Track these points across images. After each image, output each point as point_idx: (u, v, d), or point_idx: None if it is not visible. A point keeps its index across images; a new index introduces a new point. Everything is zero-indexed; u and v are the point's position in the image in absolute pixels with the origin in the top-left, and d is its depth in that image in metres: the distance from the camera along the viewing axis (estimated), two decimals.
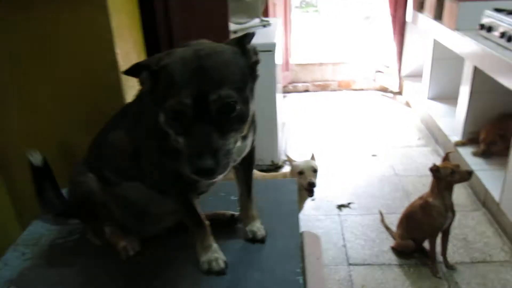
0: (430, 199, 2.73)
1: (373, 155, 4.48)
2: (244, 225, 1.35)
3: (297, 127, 5.30)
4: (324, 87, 6.34)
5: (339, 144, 4.80)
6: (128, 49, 1.87)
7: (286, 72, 5.98)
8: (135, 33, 2.01)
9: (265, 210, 1.37)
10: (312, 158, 2.86)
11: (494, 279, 2.80)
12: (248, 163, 1.25)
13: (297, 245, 1.26)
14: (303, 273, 1.12)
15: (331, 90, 6.34)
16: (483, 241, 3.16)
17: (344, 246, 3.22)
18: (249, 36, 0.99)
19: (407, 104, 5.71)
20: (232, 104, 0.91)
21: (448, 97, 4.80)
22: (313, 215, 3.60)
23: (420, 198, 2.86)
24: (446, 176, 2.60)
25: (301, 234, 1.31)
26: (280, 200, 1.48)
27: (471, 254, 3.04)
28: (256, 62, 1.02)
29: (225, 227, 1.35)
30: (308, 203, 3.76)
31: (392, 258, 3.07)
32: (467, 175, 2.58)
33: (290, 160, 2.83)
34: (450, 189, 2.67)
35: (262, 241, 1.30)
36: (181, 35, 2.06)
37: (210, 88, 0.89)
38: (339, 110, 5.72)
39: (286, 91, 6.27)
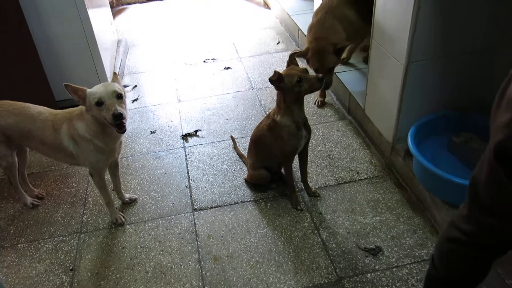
0: (278, 117, 2.08)
1: (226, 68, 3.76)
2: None
3: (139, 43, 4.34)
4: None
5: (187, 58, 3.97)
6: None
7: None
8: None
9: None
10: (115, 79, 2.01)
11: (363, 201, 2.33)
12: None
13: None
14: None
15: None
16: (349, 156, 2.67)
17: (189, 187, 2.53)
18: None
19: (266, 5, 4.99)
20: None
21: None
22: (152, 152, 2.84)
23: (267, 116, 2.21)
24: (292, 87, 1.94)
25: None
26: None
27: (337, 174, 2.54)
28: None
29: None
30: (146, 137, 2.98)
31: (246, 193, 2.46)
32: (317, 82, 1.94)
33: (77, 91, 1.89)
34: (300, 102, 2.03)
35: None
36: None
37: None
38: (189, 18, 4.82)
39: (124, 2, 5.17)
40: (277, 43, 4.11)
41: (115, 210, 2.33)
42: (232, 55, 3.96)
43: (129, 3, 5.18)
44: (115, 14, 5.00)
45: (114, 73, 2.03)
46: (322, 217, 2.26)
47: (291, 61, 2.04)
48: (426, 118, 2.26)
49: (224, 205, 2.39)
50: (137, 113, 3.25)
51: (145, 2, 5.25)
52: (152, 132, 3.02)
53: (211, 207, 2.38)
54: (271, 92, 3.36)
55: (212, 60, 3.90)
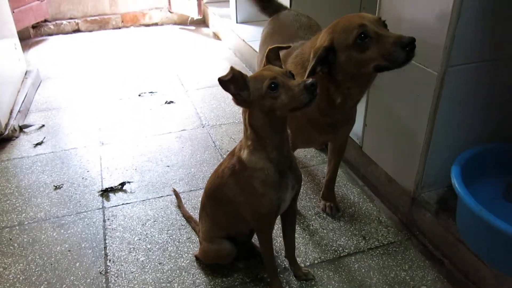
0: (244, 154, 1.24)
1: (168, 102, 2.91)
2: None
3: (57, 75, 3.41)
4: (102, 24, 4.50)
5: (117, 92, 3.09)
6: None
7: (36, 2, 3.95)
8: None
9: None
10: None
11: (383, 284, 1.49)
12: None
13: None
14: None
15: (113, 28, 4.54)
16: (347, 214, 1.85)
17: (105, 273, 1.59)
18: None
19: (216, 36, 4.26)
20: None
21: (260, 17, 3.46)
22: (52, 217, 1.88)
23: (231, 154, 1.34)
24: (261, 98, 1.10)
25: None
26: None
27: (334, 241, 1.69)
28: None
29: None
30: (47, 194, 2.02)
31: (199, 280, 1.55)
32: (303, 92, 1.05)
33: None
34: (279, 128, 1.18)
35: None
36: None
37: None
38: (126, 51, 3.97)
39: (43, 33, 4.28)
40: None
41: None
42: (176, 88, 3.13)
43: (50, 34, 4.29)
44: (31, 45, 4.08)
45: None
46: None
47: (271, 58, 1.21)
48: (470, 152, 1.50)
49: None
50: (39, 161, 2.29)
51: (71, 33, 4.37)
52: (56, 188, 2.07)
53: None
54: (229, 130, 2.54)
55: (150, 93, 3.04)
